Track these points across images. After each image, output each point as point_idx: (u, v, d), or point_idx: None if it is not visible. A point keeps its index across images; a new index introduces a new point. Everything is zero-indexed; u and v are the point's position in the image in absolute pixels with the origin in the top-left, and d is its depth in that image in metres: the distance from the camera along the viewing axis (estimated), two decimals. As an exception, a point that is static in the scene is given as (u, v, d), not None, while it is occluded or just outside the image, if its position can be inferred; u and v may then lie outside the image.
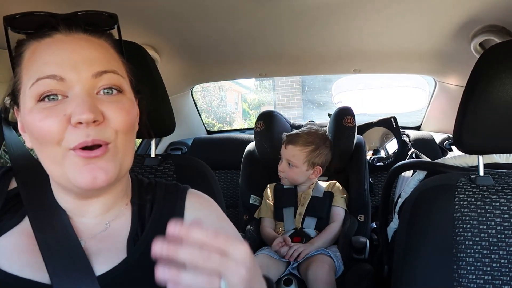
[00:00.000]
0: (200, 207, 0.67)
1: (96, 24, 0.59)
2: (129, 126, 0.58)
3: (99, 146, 0.53)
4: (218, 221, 0.68)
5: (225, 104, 9.00)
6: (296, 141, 1.59)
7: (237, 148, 2.01)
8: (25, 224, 0.58)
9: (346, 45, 1.66)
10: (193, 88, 2.35)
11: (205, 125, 2.60)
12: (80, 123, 0.51)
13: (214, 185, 1.01)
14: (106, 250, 0.59)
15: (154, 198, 0.66)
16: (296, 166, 1.58)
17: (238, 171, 1.88)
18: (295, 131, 1.68)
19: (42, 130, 0.52)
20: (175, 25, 1.36)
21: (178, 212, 0.64)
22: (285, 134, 1.67)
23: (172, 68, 1.83)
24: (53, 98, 0.53)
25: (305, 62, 1.94)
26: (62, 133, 0.52)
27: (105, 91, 0.55)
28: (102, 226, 0.61)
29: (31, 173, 0.63)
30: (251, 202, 1.72)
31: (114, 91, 0.56)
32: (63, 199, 0.60)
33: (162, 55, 1.61)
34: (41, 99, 0.53)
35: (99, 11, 0.59)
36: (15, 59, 0.57)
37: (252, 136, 1.85)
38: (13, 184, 0.63)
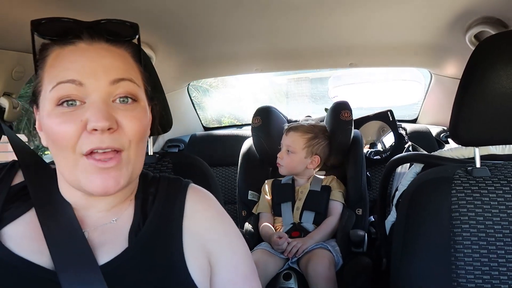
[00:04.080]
0: (200, 202, 0.69)
1: (118, 34, 0.61)
2: (142, 135, 0.60)
3: (114, 153, 0.56)
4: (217, 215, 0.69)
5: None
6: (297, 128, 1.65)
7: (234, 144, 2.01)
8: (32, 214, 0.61)
9: (342, 39, 1.66)
10: (189, 84, 2.34)
11: (201, 121, 2.60)
12: (95, 130, 0.54)
13: (212, 182, 1.01)
14: (108, 242, 0.60)
15: (156, 191, 0.67)
16: (295, 152, 1.61)
17: (236, 167, 1.88)
18: (295, 122, 1.72)
19: (59, 134, 0.55)
20: (170, 22, 1.35)
21: (178, 205, 0.66)
22: (286, 124, 1.71)
23: (167, 65, 1.82)
24: (72, 104, 0.55)
25: (301, 57, 1.93)
26: (77, 138, 0.55)
27: (121, 99, 0.58)
28: (107, 220, 0.63)
29: (36, 168, 0.66)
30: (249, 198, 1.73)
31: (129, 100, 0.59)
32: (70, 194, 0.62)
33: (157, 52, 1.61)
34: (60, 103, 0.55)
35: (122, 20, 0.62)
36: (39, 62, 0.60)
37: (249, 132, 1.85)
38: (17, 179, 0.65)
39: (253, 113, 1.81)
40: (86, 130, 0.54)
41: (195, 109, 2.50)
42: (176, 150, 2.29)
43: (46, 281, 0.55)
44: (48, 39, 0.59)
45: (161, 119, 0.97)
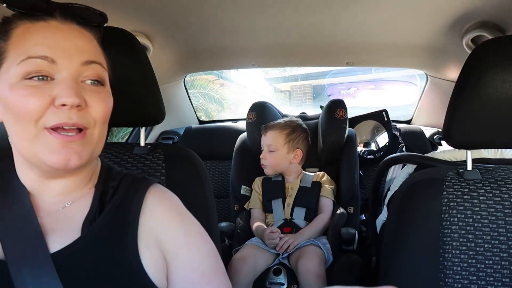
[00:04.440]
0: (159, 201, 0.68)
1: (88, 19, 0.62)
2: (106, 117, 0.62)
3: (77, 131, 0.57)
4: (177, 215, 0.68)
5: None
6: (274, 127, 1.66)
7: (229, 138, 2.00)
8: None
9: (339, 38, 1.66)
10: (185, 77, 2.33)
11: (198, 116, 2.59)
12: (64, 105, 0.55)
13: (202, 175, 1.00)
14: (61, 229, 0.60)
15: (118, 185, 0.67)
16: (277, 149, 1.63)
17: (229, 162, 1.88)
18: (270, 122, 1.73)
19: (24, 106, 0.54)
20: (168, 13, 1.34)
21: (137, 201, 0.65)
22: (263, 125, 1.72)
23: (164, 56, 1.81)
24: (42, 79, 0.55)
25: (298, 54, 1.93)
26: (42, 112, 0.55)
27: (91, 82, 0.59)
28: (61, 205, 0.63)
29: None
30: (242, 192, 1.73)
31: (97, 83, 0.60)
32: (25, 175, 0.62)
33: (155, 43, 1.59)
34: (29, 77, 0.55)
35: (92, 8, 0.63)
36: (2, 34, 0.59)
37: (244, 127, 1.85)
38: None
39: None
40: (53, 105, 0.55)
41: (191, 102, 2.49)
42: (170, 142, 2.29)
43: None
44: (17, 11, 0.58)
45: (153, 110, 0.95)
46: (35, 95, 0.54)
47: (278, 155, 1.63)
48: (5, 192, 0.61)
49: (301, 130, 1.69)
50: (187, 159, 1.01)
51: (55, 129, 0.55)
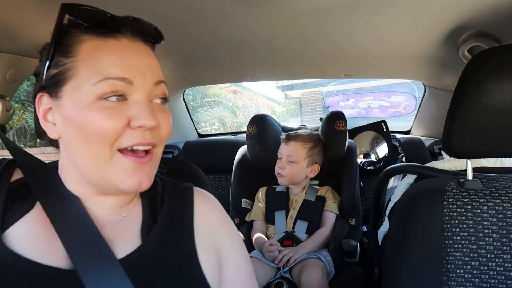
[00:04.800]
0: (206, 202, 0.70)
1: (152, 36, 0.63)
2: (169, 136, 0.62)
3: (145, 153, 0.57)
4: (223, 216, 0.71)
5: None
6: (297, 138, 1.64)
7: (229, 151, 2.00)
8: (38, 210, 0.58)
9: (337, 50, 1.67)
10: (184, 91, 2.34)
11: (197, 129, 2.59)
12: (141, 127, 0.55)
13: (206, 189, 1.00)
14: (119, 238, 0.60)
15: (163, 191, 0.68)
16: (297, 162, 1.61)
17: (230, 175, 1.88)
18: (292, 132, 1.72)
19: (102, 128, 0.53)
20: (166, 27, 1.35)
21: (188, 205, 0.67)
22: (283, 133, 1.70)
23: (163, 71, 1.82)
24: (118, 99, 0.55)
25: (297, 66, 1.95)
26: (119, 134, 0.54)
27: (158, 100, 0.60)
28: (115, 217, 0.62)
29: (34, 165, 0.64)
30: (242, 205, 1.72)
31: (163, 101, 0.61)
32: (77, 189, 0.60)
33: (154, 58, 1.60)
34: (105, 98, 0.54)
35: (150, 23, 0.63)
36: (62, 48, 0.57)
37: (244, 140, 1.85)
38: (15, 177, 0.62)
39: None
40: (129, 127, 0.55)
41: (190, 116, 2.50)
42: (170, 156, 2.28)
43: (62, 281, 0.53)
44: (85, 25, 0.56)
45: None
46: (112, 117, 0.53)
47: (298, 167, 1.61)
48: (57, 198, 0.59)
49: (321, 145, 1.68)
50: (189, 173, 1.01)
51: (127, 151, 0.56)
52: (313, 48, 1.65)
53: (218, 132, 2.77)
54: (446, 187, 0.89)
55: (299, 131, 1.72)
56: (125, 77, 0.54)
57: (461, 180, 0.91)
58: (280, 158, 1.64)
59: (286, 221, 1.58)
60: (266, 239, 1.54)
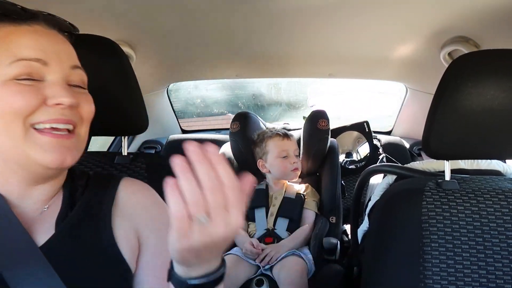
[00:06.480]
0: (133, 192, 0.71)
1: (67, 27, 0.65)
2: (91, 117, 0.63)
3: (67, 131, 0.58)
4: (153, 203, 0.72)
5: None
6: (291, 135, 1.74)
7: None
8: None
9: (321, 50, 1.69)
10: (168, 86, 2.32)
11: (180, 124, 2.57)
12: (58, 104, 0.56)
13: None
14: (37, 230, 0.60)
15: (87, 183, 0.69)
16: (298, 155, 1.71)
17: (212, 172, 1.87)
18: (277, 129, 1.78)
19: (12, 103, 0.54)
20: (151, 23, 1.34)
21: (109, 195, 0.68)
22: (277, 130, 1.74)
23: (147, 66, 1.80)
24: (31, 80, 0.56)
25: (281, 65, 1.95)
26: (33, 109, 0.55)
27: (74, 85, 0.61)
28: (38, 211, 0.62)
29: None
30: (224, 202, 1.72)
31: (81, 88, 0.63)
32: (6, 182, 0.60)
33: (138, 52, 1.59)
34: (20, 79, 0.55)
35: (65, 20, 0.64)
36: None
37: (227, 137, 1.85)
38: None
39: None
40: (45, 104, 0.56)
41: (174, 112, 2.48)
42: (152, 151, 2.26)
43: None
44: (1, 14, 0.58)
45: (136, 119, 0.94)
46: (24, 93, 0.54)
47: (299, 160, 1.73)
48: None
49: None
50: (168, 168, 1.00)
51: (46, 130, 0.56)
52: (297, 47, 1.66)
53: (202, 128, 2.75)
54: (425, 187, 0.91)
55: (282, 130, 1.76)
56: (40, 58, 0.56)
57: (439, 180, 0.93)
58: (285, 156, 1.66)
59: (267, 218, 1.59)
60: (248, 236, 1.54)
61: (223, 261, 0.52)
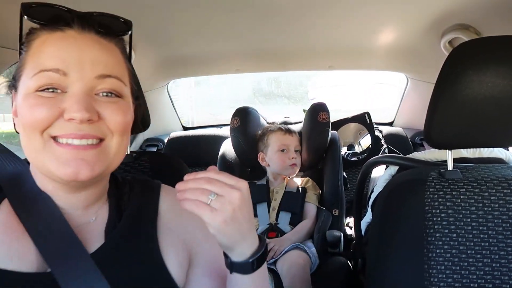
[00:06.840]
0: (174, 203, 0.69)
1: (109, 27, 0.60)
2: (125, 128, 0.59)
3: (94, 142, 0.55)
4: (192, 213, 0.70)
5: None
6: (294, 131, 1.74)
7: (213, 144, 2.00)
8: (3, 215, 0.57)
9: (321, 42, 1.68)
10: (168, 83, 2.31)
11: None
12: (72, 119, 0.53)
13: None
14: (84, 239, 0.59)
15: (131, 190, 0.68)
16: (299, 151, 1.70)
17: (214, 167, 1.87)
18: (276, 123, 1.78)
19: (31, 115, 0.53)
20: (150, 18, 1.33)
21: (153, 203, 0.68)
22: (278, 125, 1.75)
23: (146, 63, 1.80)
24: (52, 91, 0.54)
25: (281, 58, 1.94)
26: (50, 122, 0.53)
27: (104, 94, 0.57)
28: (85, 220, 0.62)
29: (6, 156, 0.64)
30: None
31: (113, 95, 0.58)
32: (45, 187, 0.60)
33: (136, 49, 1.58)
34: (41, 90, 0.54)
35: (116, 15, 0.61)
36: (24, 46, 0.58)
37: (228, 133, 1.84)
38: None
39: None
40: (62, 118, 0.53)
41: (174, 109, 2.47)
42: (154, 149, 2.26)
43: (28, 284, 0.53)
44: (37, 23, 0.57)
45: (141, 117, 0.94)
46: (42, 106, 0.53)
47: (300, 157, 1.71)
48: (27, 197, 0.58)
49: None
50: (173, 167, 1.00)
51: (63, 142, 0.54)
52: (297, 40, 1.65)
53: (203, 124, 2.74)
54: (428, 177, 0.91)
55: (280, 124, 1.77)
56: (58, 68, 0.54)
57: (442, 170, 0.93)
58: (284, 150, 1.66)
59: (269, 213, 1.59)
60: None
61: (261, 238, 0.60)
